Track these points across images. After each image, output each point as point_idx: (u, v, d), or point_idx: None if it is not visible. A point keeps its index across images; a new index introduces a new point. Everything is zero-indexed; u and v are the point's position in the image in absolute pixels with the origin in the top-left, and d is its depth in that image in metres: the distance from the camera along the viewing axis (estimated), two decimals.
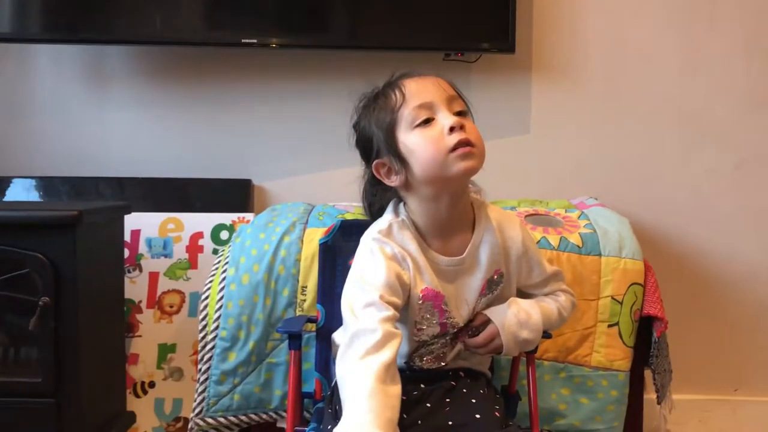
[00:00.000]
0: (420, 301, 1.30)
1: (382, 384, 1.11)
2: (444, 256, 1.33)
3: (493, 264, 1.35)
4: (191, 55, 2.34)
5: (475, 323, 1.37)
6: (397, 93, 1.29)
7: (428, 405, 1.31)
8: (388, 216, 1.35)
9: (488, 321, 1.35)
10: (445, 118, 1.25)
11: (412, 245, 1.31)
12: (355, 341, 1.17)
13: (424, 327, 1.33)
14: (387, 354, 1.14)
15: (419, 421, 1.26)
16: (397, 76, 1.34)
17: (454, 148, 1.23)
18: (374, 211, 1.40)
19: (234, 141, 2.36)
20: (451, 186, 1.28)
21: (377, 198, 1.39)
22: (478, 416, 1.25)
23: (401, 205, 1.36)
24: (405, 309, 1.30)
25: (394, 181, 1.31)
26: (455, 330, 1.36)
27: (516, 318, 1.34)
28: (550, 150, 2.33)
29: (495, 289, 1.38)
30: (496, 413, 1.28)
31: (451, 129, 1.23)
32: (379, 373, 1.11)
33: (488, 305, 1.38)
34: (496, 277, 1.37)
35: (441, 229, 1.33)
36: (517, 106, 2.33)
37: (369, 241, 1.32)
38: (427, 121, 1.26)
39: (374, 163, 1.32)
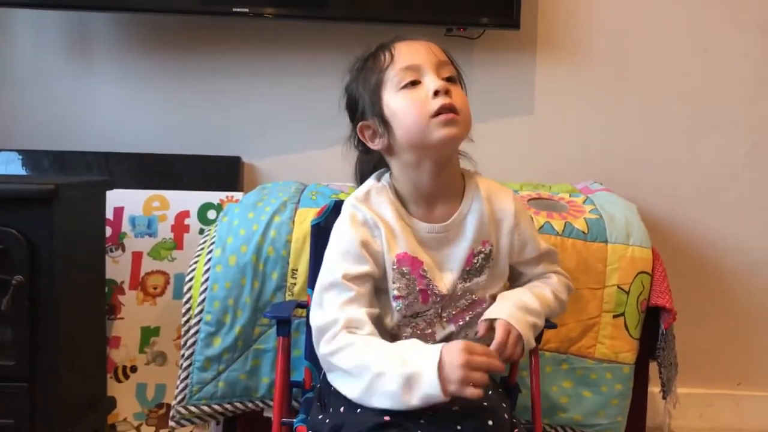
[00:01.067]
0: (395, 266, 1.25)
1: (375, 341, 1.17)
2: (426, 223, 1.29)
3: (481, 234, 1.30)
4: (180, 24, 2.23)
5: (481, 333, 1.27)
6: (386, 54, 1.26)
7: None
8: (369, 182, 1.33)
9: (492, 321, 1.26)
10: (431, 81, 1.22)
11: (388, 211, 1.28)
12: (321, 338, 1.20)
13: (403, 295, 1.26)
14: (363, 332, 1.18)
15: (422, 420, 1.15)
16: (391, 39, 1.30)
17: (437, 113, 1.20)
18: (363, 179, 1.38)
19: (224, 116, 2.26)
20: (433, 153, 1.25)
21: (369, 166, 1.37)
22: (490, 423, 1.15)
23: (387, 172, 1.33)
24: (384, 279, 1.26)
25: (377, 144, 1.28)
26: (439, 301, 1.28)
27: (515, 306, 1.27)
28: (554, 132, 2.25)
29: (486, 264, 1.30)
30: (506, 415, 1.20)
31: (436, 93, 1.21)
32: (364, 342, 1.16)
33: (483, 288, 1.30)
34: (484, 248, 1.30)
35: (425, 196, 1.29)
36: (521, 85, 2.24)
37: (344, 207, 1.31)
38: (414, 83, 1.23)
39: (359, 124, 1.29)
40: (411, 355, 1.13)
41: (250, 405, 1.65)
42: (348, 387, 1.16)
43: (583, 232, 1.70)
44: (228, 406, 1.65)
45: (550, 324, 1.38)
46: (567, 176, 2.19)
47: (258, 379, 1.65)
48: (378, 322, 1.25)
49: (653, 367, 1.74)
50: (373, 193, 1.30)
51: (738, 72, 2.22)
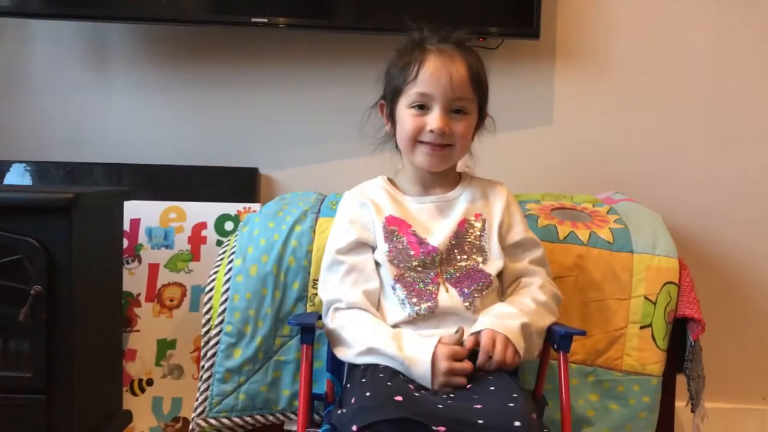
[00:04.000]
0: (385, 227, 1.40)
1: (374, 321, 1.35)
2: (419, 196, 1.45)
3: (473, 209, 1.44)
4: (196, 35, 2.23)
5: (469, 347, 1.30)
6: (415, 68, 1.39)
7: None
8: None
9: (477, 335, 1.31)
10: (433, 119, 1.37)
11: (380, 192, 1.46)
12: (326, 315, 1.40)
13: (395, 248, 1.39)
14: (363, 311, 1.36)
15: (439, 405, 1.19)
16: (429, 41, 1.43)
17: (423, 143, 1.39)
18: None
19: (240, 127, 2.25)
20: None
21: None
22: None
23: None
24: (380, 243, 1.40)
25: (386, 126, 1.48)
26: (431, 254, 1.38)
27: (494, 317, 1.33)
28: (574, 142, 2.23)
29: (481, 234, 1.41)
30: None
31: (431, 131, 1.37)
32: (363, 320, 1.35)
33: (482, 261, 1.39)
34: (476, 221, 1.43)
35: (422, 181, 1.46)
36: (540, 95, 2.23)
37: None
38: (422, 107, 1.38)
39: (380, 101, 1.48)
40: (407, 342, 1.29)
41: (270, 418, 1.62)
42: (347, 352, 1.34)
43: (609, 242, 1.67)
44: (248, 419, 1.61)
45: (578, 330, 1.38)
46: (587, 187, 2.15)
47: (279, 391, 1.61)
48: (381, 294, 1.39)
49: (683, 380, 1.70)
50: (366, 184, 1.50)
51: (761, 83, 2.19)
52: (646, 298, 1.63)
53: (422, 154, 1.40)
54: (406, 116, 1.40)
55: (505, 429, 1.11)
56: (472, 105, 1.41)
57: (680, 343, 1.66)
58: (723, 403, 2.20)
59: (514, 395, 1.19)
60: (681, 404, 1.75)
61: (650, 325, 1.63)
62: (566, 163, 2.22)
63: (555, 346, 1.38)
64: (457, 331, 1.32)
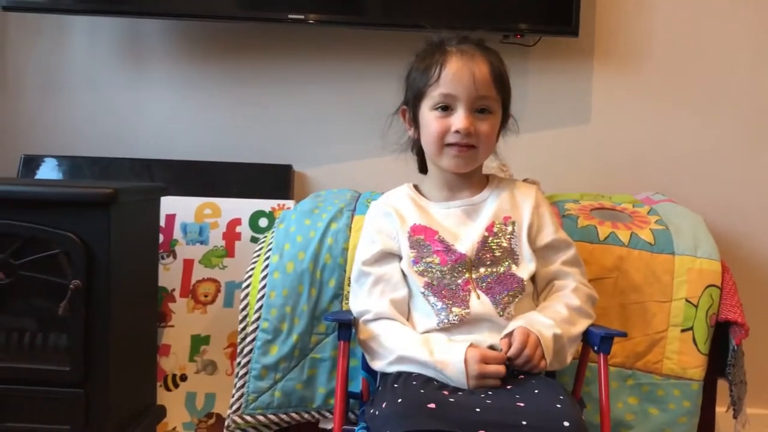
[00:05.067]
0: (410, 237, 1.39)
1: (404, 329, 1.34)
2: (445, 202, 1.43)
3: (502, 212, 1.41)
4: (231, 31, 2.23)
5: (505, 350, 1.29)
6: (436, 70, 1.37)
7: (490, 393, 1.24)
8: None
9: (509, 335, 1.30)
10: (458, 120, 1.35)
11: (405, 200, 1.45)
12: (356, 326, 1.37)
13: (421, 257, 1.37)
14: (393, 321, 1.35)
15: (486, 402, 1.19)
16: (452, 41, 1.41)
17: (450, 145, 1.37)
18: (419, 160, 1.54)
19: (274, 124, 2.25)
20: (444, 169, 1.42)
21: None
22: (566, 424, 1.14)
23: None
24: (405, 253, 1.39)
25: (409, 131, 1.47)
26: (459, 261, 1.36)
27: (525, 319, 1.32)
28: (612, 142, 2.20)
29: (511, 237, 1.39)
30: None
31: (457, 131, 1.35)
32: (393, 330, 1.33)
33: (514, 264, 1.38)
34: (505, 224, 1.40)
35: (448, 184, 1.44)
36: (577, 94, 2.20)
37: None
38: (446, 108, 1.37)
39: (402, 107, 1.47)
40: (438, 346, 1.28)
41: (306, 416, 1.61)
42: (379, 363, 1.33)
43: (650, 244, 1.64)
44: (284, 417, 1.61)
45: (618, 332, 1.36)
46: (626, 187, 2.12)
47: (314, 389, 1.61)
48: (410, 303, 1.38)
49: (725, 385, 1.66)
50: (391, 193, 1.49)
51: None
52: (687, 300, 1.60)
53: (449, 157, 1.38)
54: (430, 119, 1.38)
55: (552, 430, 1.09)
56: (495, 104, 1.40)
57: (722, 348, 1.64)
58: (765, 410, 2.17)
59: (561, 397, 1.18)
60: (722, 410, 1.72)
61: (691, 329, 1.60)
62: (604, 163, 2.19)
63: (595, 348, 1.36)
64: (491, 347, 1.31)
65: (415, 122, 1.43)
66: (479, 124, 1.36)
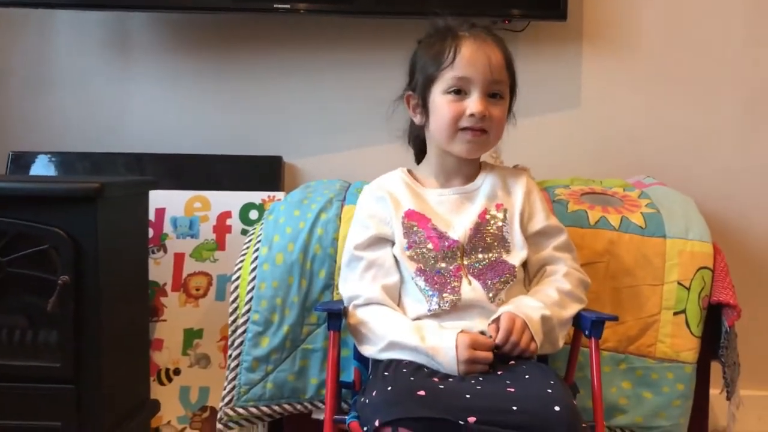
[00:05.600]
0: (404, 222, 1.38)
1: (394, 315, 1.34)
2: (439, 189, 1.43)
3: (494, 198, 1.42)
4: (218, 22, 2.21)
5: (493, 335, 1.29)
6: (450, 53, 1.36)
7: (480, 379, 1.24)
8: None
9: (497, 320, 1.30)
10: (473, 103, 1.35)
11: (399, 184, 1.44)
12: (349, 311, 1.37)
13: (414, 242, 1.37)
14: (383, 306, 1.35)
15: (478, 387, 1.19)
16: (462, 26, 1.41)
17: (465, 129, 1.36)
18: (415, 151, 1.54)
19: (263, 116, 2.24)
20: (454, 154, 1.41)
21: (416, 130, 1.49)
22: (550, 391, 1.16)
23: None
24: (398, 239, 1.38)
25: (416, 118, 1.45)
26: (452, 247, 1.36)
27: (513, 304, 1.32)
28: (602, 125, 2.19)
29: (503, 224, 1.39)
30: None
31: (472, 114, 1.34)
32: (383, 315, 1.34)
33: (505, 251, 1.38)
34: (497, 211, 1.40)
35: (446, 171, 1.44)
36: (567, 78, 2.19)
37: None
38: (459, 92, 1.35)
39: (407, 93, 1.45)
40: (429, 333, 1.28)
41: (298, 407, 1.61)
42: (370, 349, 1.33)
43: (641, 227, 1.64)
44: (276, 408, 1.60)
45: (609, 316, 1.37)
46: (616, 171, 2.11)
47: (306, 380, 1.60)
48: (401, 289, 1.38)
49: (718, 367, 1.66)
50: (385, 177, 1.48)
51: None
52: (679, 283, 1.60)
53: (462, 141, 1.37)
54: (443, 103, 1.37)
55: (543, 415, 1.09)
56: (506, 89, 1.40)
57: (715, 330, 1.63)
58: (758, 391, 2.16)
59: (552, 382, 1.17)
60: (715, 392, 1.72)
61: (684, 311, 1.60)
62: (595, 147, 2.18)
63: (586, 333, 1.36)
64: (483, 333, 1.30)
65: (423, 108, 1.41)
66: (492, 108, 1.36)
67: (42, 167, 2.18)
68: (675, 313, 1.59)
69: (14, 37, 2.24)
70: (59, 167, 2.18)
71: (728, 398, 1.67)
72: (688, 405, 1.60)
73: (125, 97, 2.25)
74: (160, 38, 2.23)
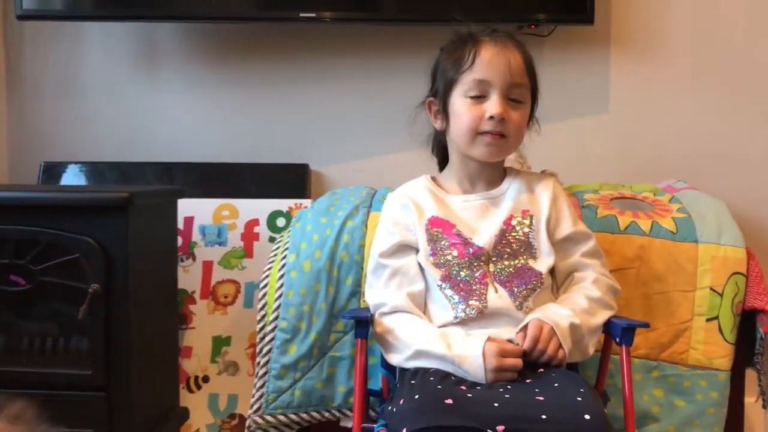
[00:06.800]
0: (427, 229, 1.38)
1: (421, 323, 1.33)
2: (463, 195, 1.42)
3: (520, 204, 1.40)
4: (245, 32, 2.23)
5: (520, 343, 1.28)
6: (470, 56, 1.36)
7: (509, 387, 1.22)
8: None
9: (525, 327, 1.29)
10: (493, 106, 1.34)
11: (423, 191, 1.43)
12: (375, 319, 1.36)
13: (438, 250, 1.36)
14: (409, 314, 1.34)
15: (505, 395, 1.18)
16: (484, 32, 1.40)
17: (484, 133, 1.35)
18: (439, 159, 1.53)
19: (290, 124, 2.25)
20: (474, 159, 1.40)
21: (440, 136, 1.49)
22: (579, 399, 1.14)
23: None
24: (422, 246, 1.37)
25: (437, 123, 1.44)
26: (477, 254, 1.34)
27: (540, 311, 1.30)
28: (631, 130, 2.16)
29: (529, 231, 1.37)
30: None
31: (491, 117, 1.33)
32: (410, 323, 1.32)
33: (531, 257, 1.36)
34: (523, 218, 1.39)
35: (469, 176, 1.43)
36: (595, 83, 2.17)
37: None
38: (479, 97, 1.35)
39: (429, 99, 1.45)
40: (456, 340, 1.27)
41: (326, 414, 1.61)
42: (396, 357, 1.32)
43: (672, 232, 1.61)
44: (304, 416, 1.60)
45: (640, 323, 1.34)
46: (646, 176, 2.08)
47: (334, 387, 1.60)
48: (426, 296, 1.37)
49: (753, 374, 1.63)
50: (409, 185, 1.47)
51: None
52: (712, 289, 1.57)
53: (482, 145, 1.36)
54: (462, 106, 1.36)
55: (573, 423, 1.07)
56: (527, 94, 1.39)
57: (749, 336, 1.60)
58: None
59: (581, 390, 1.16)
60: (751, 400, 1.69)
61: (717, 318, 1.57)
62: (624, 152, 2.16)
63: (617, 340, 1.34)
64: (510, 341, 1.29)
65: (444, 113, 1.41)
66: (512, 112, 1.35)
67: (72, 177, 2.22)
68: (708, 320, 1.57)
69: (46, 49, 2.27)
70: (89, 177, 2.21)
71: (764, 407, 1.63)
72: (723, 413, 1.57)
73: (154, 107, 2.28)
74: (188, 48, 2.25)
